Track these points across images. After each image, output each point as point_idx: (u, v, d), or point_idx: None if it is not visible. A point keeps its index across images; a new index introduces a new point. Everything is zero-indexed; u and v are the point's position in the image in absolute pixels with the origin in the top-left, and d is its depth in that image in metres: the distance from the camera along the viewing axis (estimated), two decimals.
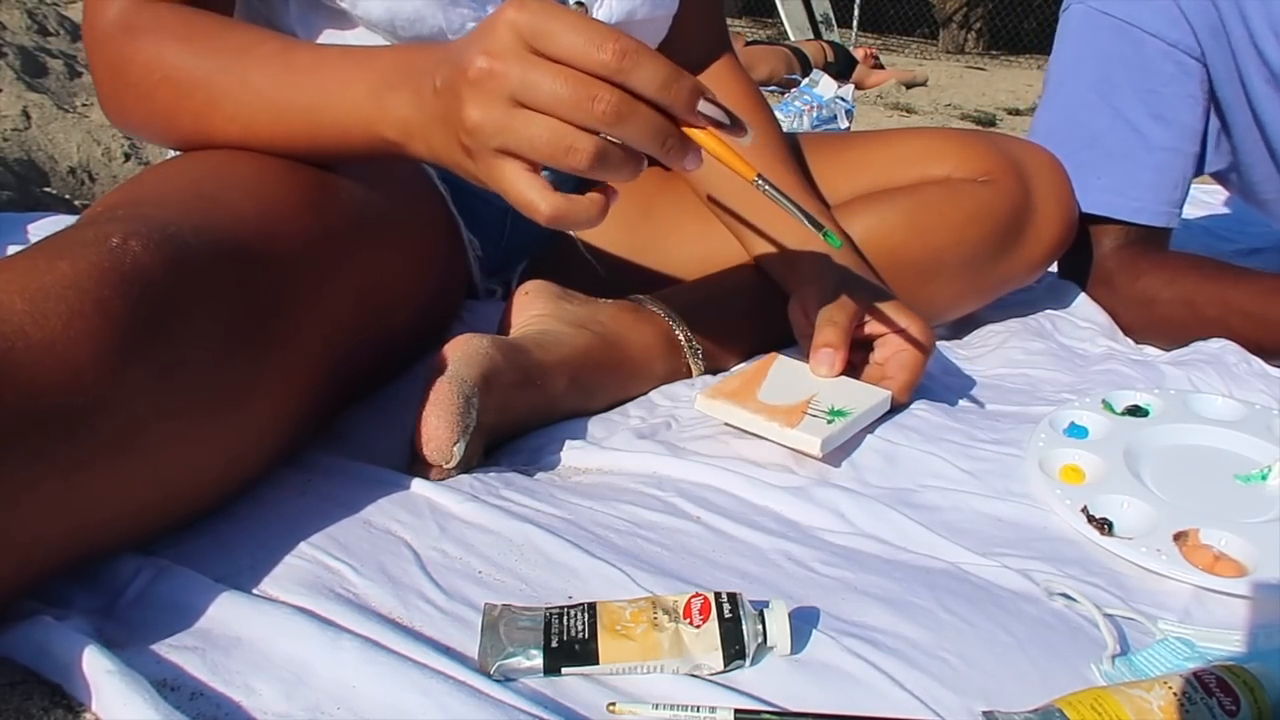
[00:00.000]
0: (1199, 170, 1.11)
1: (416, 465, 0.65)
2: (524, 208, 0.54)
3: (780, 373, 0.77)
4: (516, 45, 0.52)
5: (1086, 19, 1.08)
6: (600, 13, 0.86)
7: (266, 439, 0.59)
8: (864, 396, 0.75)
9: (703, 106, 0.54)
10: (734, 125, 0.56)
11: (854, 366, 0.79)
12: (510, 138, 0.52)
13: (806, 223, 0.62)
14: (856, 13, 7.77)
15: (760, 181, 0.59)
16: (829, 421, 0.70)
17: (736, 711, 0.46)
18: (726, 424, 0.74)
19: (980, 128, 3.66)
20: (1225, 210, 1.85)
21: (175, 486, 0.53)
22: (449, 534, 0.59)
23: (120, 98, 0.69)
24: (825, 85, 3.03)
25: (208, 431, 0.53)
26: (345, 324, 0.64)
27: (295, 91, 0.64)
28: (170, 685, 0.45)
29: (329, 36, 0.79)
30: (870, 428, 0.75)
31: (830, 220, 0.85)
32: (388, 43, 0.78)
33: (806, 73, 3.74)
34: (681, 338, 0.84)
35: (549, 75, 0.51)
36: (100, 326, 0.46)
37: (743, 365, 0.88)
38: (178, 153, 0.71)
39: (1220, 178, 1.17)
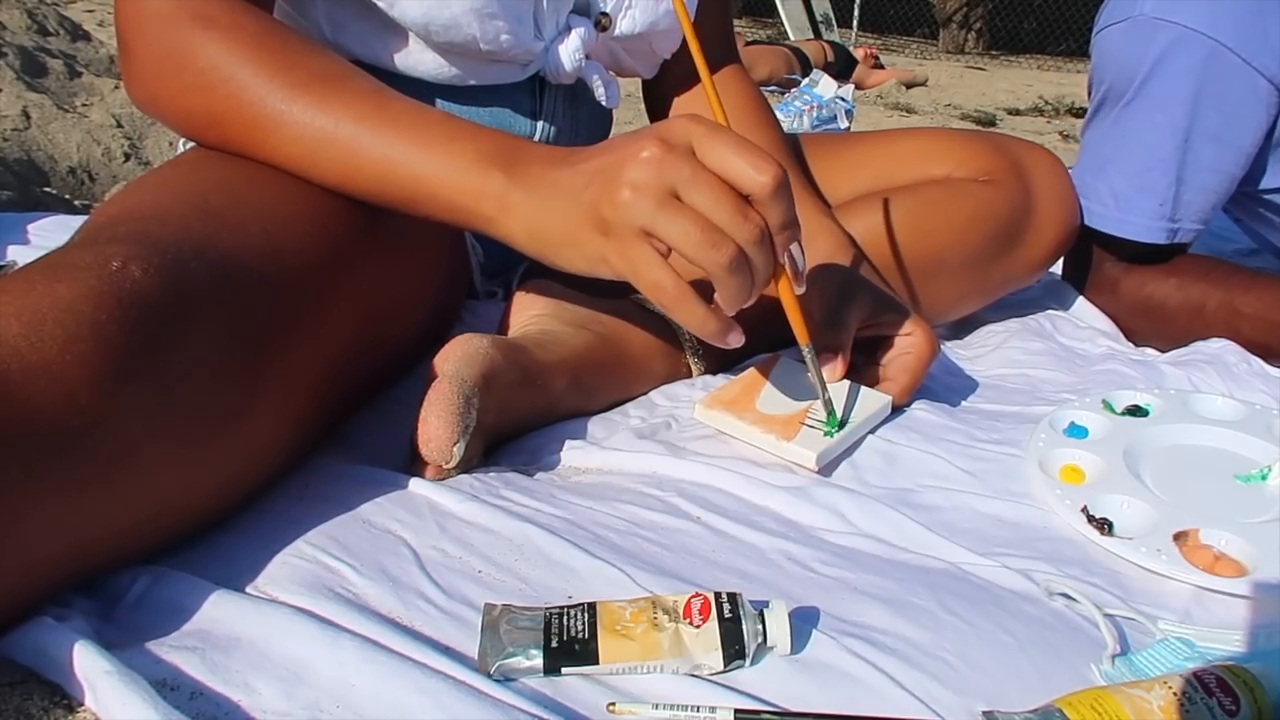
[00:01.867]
0: (1255, 186, 1.07)
1: (416, 465, 0.64)
2: (652, 288, 0.58)
3: (781, 376, 0.77)
4: (688, 148, 0.57)
5: (1160, 31, 0.99)
6: (624, 23, 0.86)
7: (265, 457, 0.59)
8: (864, 403, 0.75)
9: (794, 249, 0.61)
10: (799, 275, 0.63)
11: (855, 368, 0.79)
12: (661, 222, 0.56)
13: (824, 406, 0.71)
14: (856, 13, 7.76)
15: (809, 351, 0.67)
16: (826, 433, 0.71)
17: (736, 711, 0.46)
18: (723, 433, 0.74)
19: (980, 128, 3.66)
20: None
21: (173, 506, 0.53)
22: (449, 534, 0.59)
23: (163, 84, 0.65)
24: (825, 85, 3.03)
25: (205, 453, 0.53)
26: (348, 340, 0.64)
27: (382, 135, 0.63)
28: (169, 685, 0.45)
29: (358, 35, 0.79)
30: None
31: (833, 219, 0.85)
32: (421, 42, 0.79)
33: (806, 73, 3.73)
34: (682, 337, 0.84)
35: (715, 183, 0.56)
36: (96, 350, 0.46)
37: (745, 365, 0.88)
38: (184, 149, 0.70)
39: (1255, 199, 1.13)
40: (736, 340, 0.61)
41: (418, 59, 0.80)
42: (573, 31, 0.84)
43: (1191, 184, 1.03)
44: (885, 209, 0.92)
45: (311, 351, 0.60)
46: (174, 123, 0.68)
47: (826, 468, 0.70)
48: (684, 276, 0.58)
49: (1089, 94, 1.13)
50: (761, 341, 0.88)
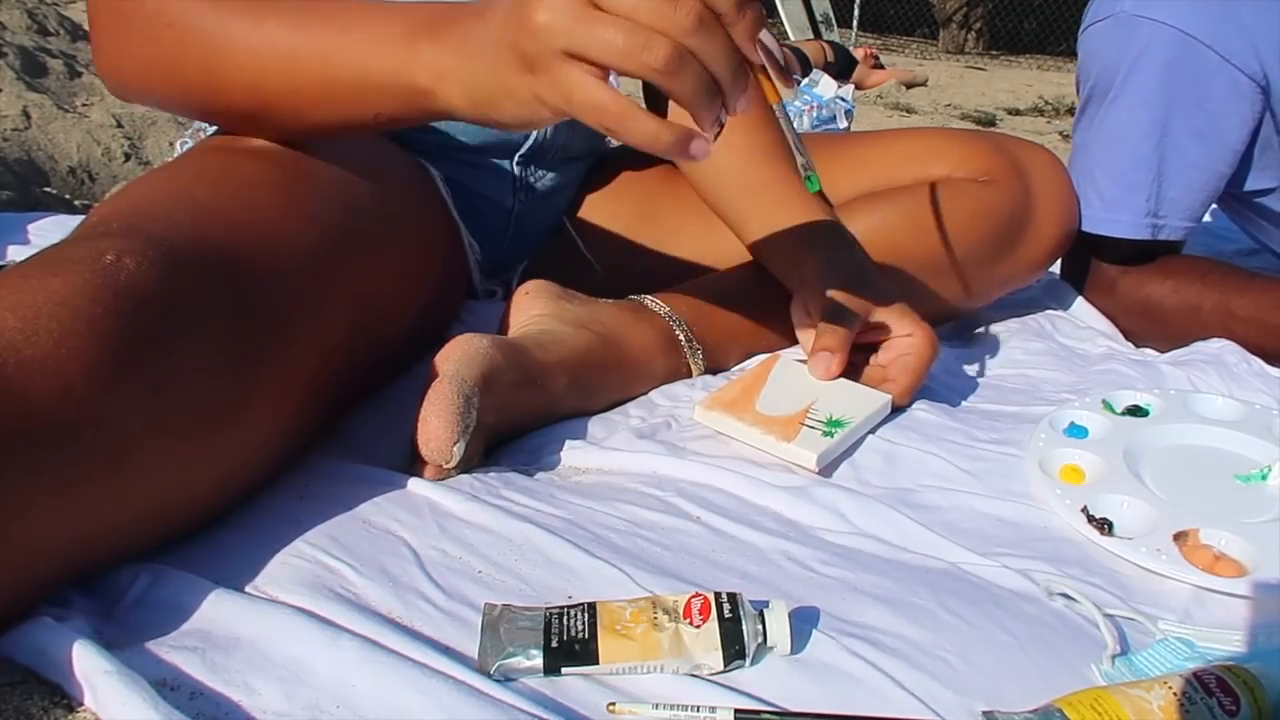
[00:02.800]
0: (1240, 188, 1.07)
1: (416, 465, 0.64)
2: (591, 110, 0.51)
3: (781, 376, 0.77)
4: None
5: (1139, 28, 1.00)
6: None
7: (263, 452, 0.59)
8: (864, 403, 0.75)
9: (764, 37, 0.53)
10: (785, 70, 0.55)
11: (855, 368, 0.79)
12: (581, 36, 0.50)
13: (800, 157, 0.60)
14: (856, 13, 7.76)
15: (780, 109, 0.58)
16: (825, 433, 0.70)
17: (736, 711, 0.46)
18: (723, 434, 0.74)
19: (980, 128, 3.66)
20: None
21: (171, 500, 0.53)
22: (449, 534, 0.59)
23: (120, 46, 0.66)
24: (825, 85, 3.03)
25: (202, 446, 0.53)
26: (343, 334, 0.64)
27: (314, 35, 0.62)
28: (170, 685, 0.45)
29: None
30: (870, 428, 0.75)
31: (834, 219, 0.85)
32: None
33: (806, 73, 3.73)
34: (682, 337, 0.84)
35: None
36: (92, 344, 0.46)
37: (744, 366, 0.88)
38: (181, 151, 0.71)
39: (1243, 201, 1.13)
40: (700, 149, 0.53)
41: None
42: None
43: (1176, 181, 1.03)
44: (885, 209, 0.92)
45: (307, 344, 0.60)
46: (137, 90, 0.68)
47: (827, 468, 0.70)
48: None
49: (1077, 92, 1.13)
50: (763, 342, 0.88)
